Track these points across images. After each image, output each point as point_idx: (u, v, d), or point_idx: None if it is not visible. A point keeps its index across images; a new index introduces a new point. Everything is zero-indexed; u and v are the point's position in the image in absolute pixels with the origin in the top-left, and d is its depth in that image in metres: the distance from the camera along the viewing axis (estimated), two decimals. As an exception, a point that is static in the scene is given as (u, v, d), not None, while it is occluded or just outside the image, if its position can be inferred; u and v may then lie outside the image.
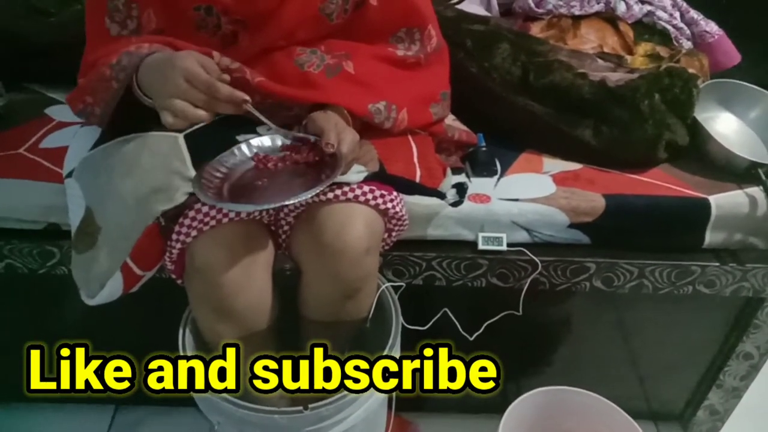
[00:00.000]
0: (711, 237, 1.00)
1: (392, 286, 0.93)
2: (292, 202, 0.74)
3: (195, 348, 0.85)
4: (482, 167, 1.04)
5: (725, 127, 1.10)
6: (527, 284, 1.00)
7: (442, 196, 0.94)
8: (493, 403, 1.07)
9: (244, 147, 0.83)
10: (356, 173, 0.83)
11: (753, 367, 1.14)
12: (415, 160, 0.90)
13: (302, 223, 0.85)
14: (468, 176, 1.04)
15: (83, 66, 0.88)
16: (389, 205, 0.85)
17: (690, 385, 1.22)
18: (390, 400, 0.95)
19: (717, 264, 1.00)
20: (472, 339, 1.01)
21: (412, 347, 0.96)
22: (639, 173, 1.05)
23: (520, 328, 1.06)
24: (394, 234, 0.92)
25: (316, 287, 0.86)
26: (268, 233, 0.87)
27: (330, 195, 0.81)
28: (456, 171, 1.03)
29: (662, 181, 1.03)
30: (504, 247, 0.99)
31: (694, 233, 1.01)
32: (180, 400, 0.85)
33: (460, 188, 0.98)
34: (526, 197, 0.99)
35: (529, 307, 1.02)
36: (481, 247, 0.99)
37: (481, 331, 1.02)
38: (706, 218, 0.99)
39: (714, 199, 0.99)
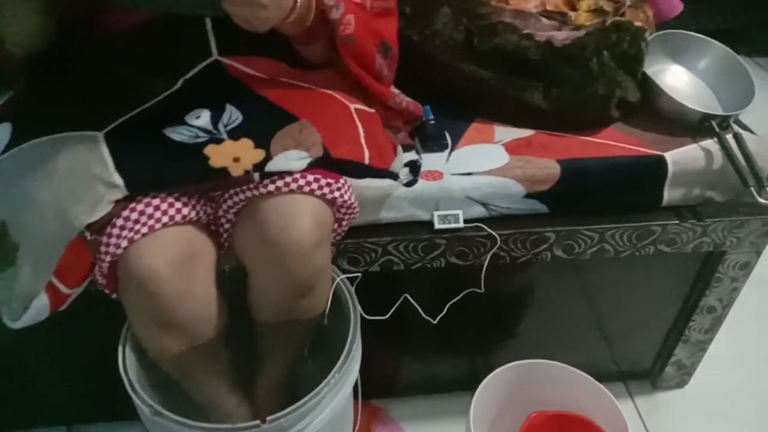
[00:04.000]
0: (669, 194, 0.98)
1: (348, 278, 0.87)
2: None
3: (138, 365, 0.78)
4: (432, 142, 0.99)
5: (675, 79, 1.07)
6: (487, 260, 0.97)
7: (394, 176, 0.89)
8: (463, 381, 1.04)
9: None
10: (298, 160, 0.77)
11: (716, 319, 1.14)
12: (362, 140, 0.84)
13: (244, 219, 0.79)
14: (418, 152, 0.99)
15: None
16: (336, 194, 0.79)
17: (656, 342, 1.21)
18: (356, 389, 0.90)
19: (677, 221, 0.98)
20: (435, 322, 0.97)
21: (375, 338, 0.91)
22: (592, 135, 1.01)
23: (484, 304, 1.03)
24: (344, 223, 0.87)
25: (265, 288, 0.80)
26: (208, 234, 0.81)
27: (271, 187, 0.75)
28: (406, 148, 0.98)
29: (616, 141, 1.00)
30: (461, 225, 0.94)
31: (652, 192, 0.98)
32: (134, 414, 0.79)
33: (413, 166, 0.92)
34: (479, 170, 0.95)
35: (491, 282, 0.98)
36: (437, 226, 0.94)
37: (444, 312, 0.98)
38: (663, 176, 0.96)
39: (670, 156, 0.96)
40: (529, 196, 0.95)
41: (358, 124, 0.85)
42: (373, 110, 0.90)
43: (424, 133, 1.00)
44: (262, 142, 0.76)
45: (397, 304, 0.96)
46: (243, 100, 0.80)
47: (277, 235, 0.74)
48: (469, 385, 1.00)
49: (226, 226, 0.81)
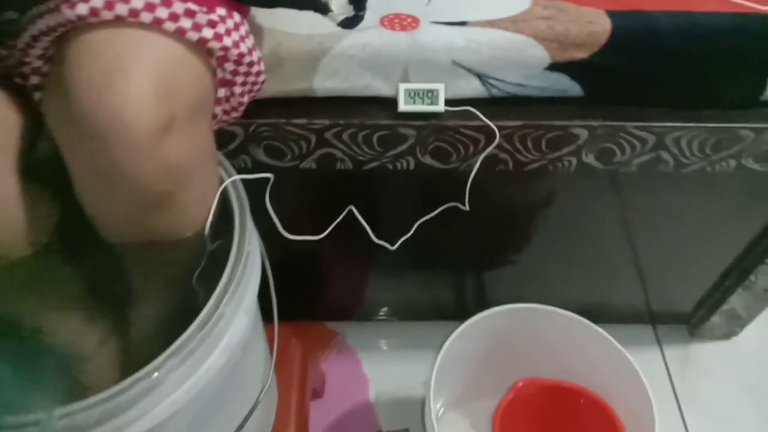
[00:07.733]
0: (779, 82, 0.62)
1: (255, 178, 0.56)
2: None
3: None
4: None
5: None
6: (478, 164, 0.64)
7: (320, 6, 0.53)
8: (441, 310, 0.78)
9: None
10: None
11: (798, 266, 0.81)
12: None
13: (52, 71, 0.46)
14: (386, -16, 0.63)
15: None
16: (208, 33, 0.45)
17: (705, 284, 0.90)
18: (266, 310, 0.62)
19: (784, 125, 0.63)
20: (394, 248, 0.66)
21: (302, 267, 0.62)
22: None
23: (469, 223, 0.71)
24: (239, 90, 0.53)
25: (91, 193, 0.49)
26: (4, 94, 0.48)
27: (81, 9, 0.41)
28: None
29: (709, -12, 0.62)
30: (440, 108, 0.60)
31: (751, 76, 0.62)
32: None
33: None
34: (478, 18, 0.59)
35: (480, 196, 0.66)
36: (403, 107, 0.60)
37: (410, 234, 0.67)
38: (776, 50, 0.60)
39: (794, 17, 0.59)
40: (555, 67, 0.60)
41: None
42: None
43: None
44: None
45: (339, 219, 0.64)
46: None
47: (87, 108, 0.42)
48: (448, 314, 0.77)
49: (34, 80, 0.49)
